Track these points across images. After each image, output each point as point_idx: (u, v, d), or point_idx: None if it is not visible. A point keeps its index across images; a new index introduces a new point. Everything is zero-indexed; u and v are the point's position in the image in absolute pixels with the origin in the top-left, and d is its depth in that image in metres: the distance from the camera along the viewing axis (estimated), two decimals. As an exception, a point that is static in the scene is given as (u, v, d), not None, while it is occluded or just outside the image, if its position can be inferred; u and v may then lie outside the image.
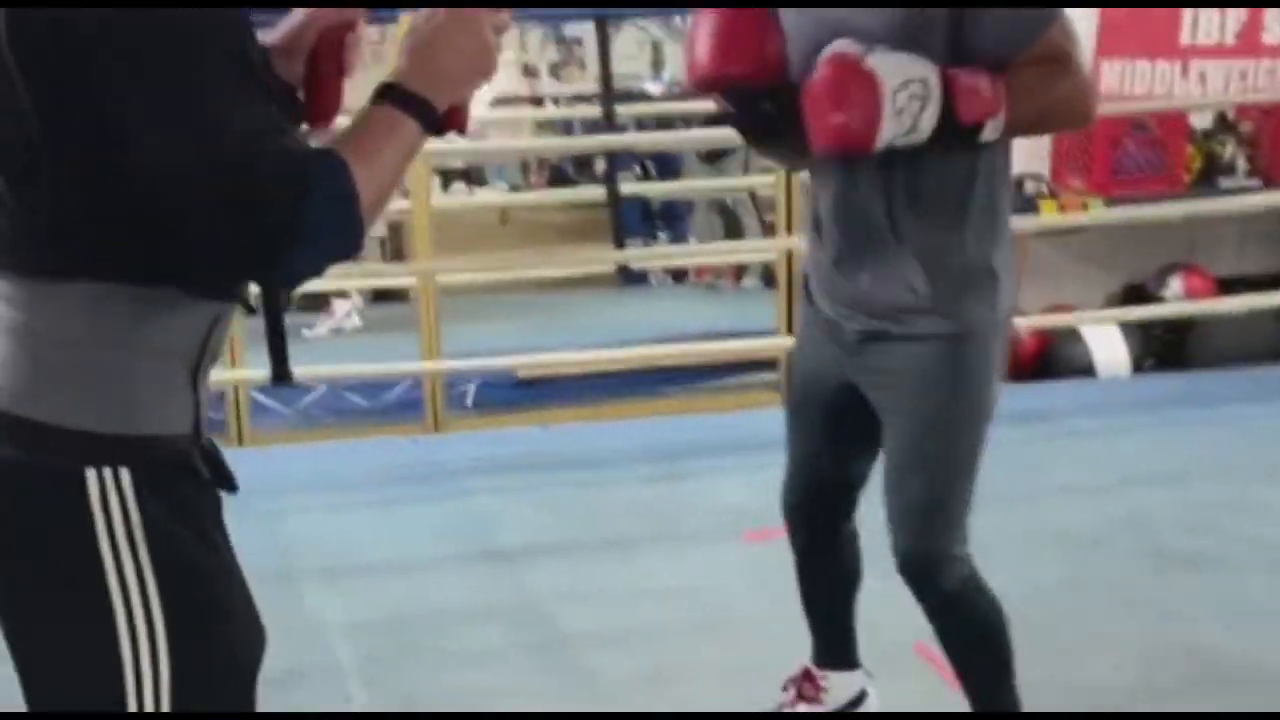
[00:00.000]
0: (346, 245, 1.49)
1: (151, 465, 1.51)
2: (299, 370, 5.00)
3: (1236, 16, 6.27)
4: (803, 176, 5.51)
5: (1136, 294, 6.35)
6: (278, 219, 1.40)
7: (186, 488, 1.56)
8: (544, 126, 11.15)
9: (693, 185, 9.02)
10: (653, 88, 11.21)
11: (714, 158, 8.73)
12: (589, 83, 10.82)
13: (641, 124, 9.32)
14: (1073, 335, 6.05)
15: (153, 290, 1.49)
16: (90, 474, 1.48)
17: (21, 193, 1.46)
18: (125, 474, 1.49)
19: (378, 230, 8.98)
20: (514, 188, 10.61)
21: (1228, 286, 6.28)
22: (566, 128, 10.63)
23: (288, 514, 4.47)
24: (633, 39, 12.18)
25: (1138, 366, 6.08)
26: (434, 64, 1.55)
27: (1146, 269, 6.38)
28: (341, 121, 1.63)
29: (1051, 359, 6.02)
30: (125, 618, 1.49)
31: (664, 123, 9.09)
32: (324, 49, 1.71)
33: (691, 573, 3.90)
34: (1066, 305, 6.15)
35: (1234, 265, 6.50)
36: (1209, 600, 3.63)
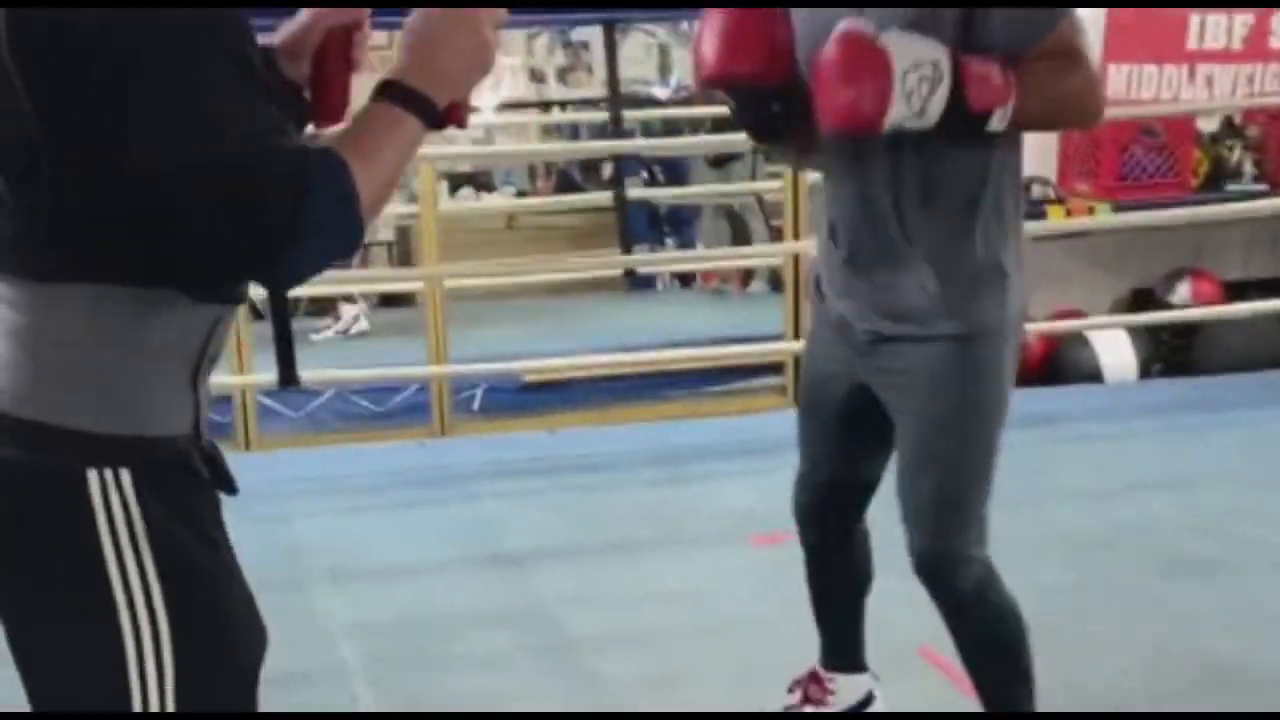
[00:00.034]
0: (346, 243, 1.50)
1: (151, 466, 1.52)
2: (306, 374, 5.01)
3: (1244, 21, 6.28)
4: (811, 180, 5.53)
5: (1144, 299, 6.35)
6: (277, 218, 1.40)
7: (186, 488, 1.57)
8: (551, 131, 11.16)
9: (700, 190, 9.02)
10: (660, 92, 11.21)
11: (721, 163, 8.73)
12: (596, 88, 10.84)
13: (648, 129, 9.34)
14: (1080, 340, 6.05)
15: (153, 292, 1.50)
16: (91, 474, 1.48)
17: (22, 194, 1.47)
18: (125, 474, 1.49)
19: (385, 235, 9.00)
20: (521, 193, 10.61)
21: (1235, 291, 6.28)
22: (574, 132, 10.65)
23: (294, 517, 4.48)
24: (640, 44, 12.18)
25: (1145, 371, 6.08)
26: (433, 61, 1.56)
27: (1154, 273, 6.37)
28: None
29: (1059, 364, 6.01)
30: (129, 617, 1.50)
31: (671, 128, 9.10)
32: (329, 49, 1.72)
33: (698, 576, 3.90)
34: (1074, 310, 6.15)
35: (1241, 270, 6.50)
36: (1216, 605, 3.62)
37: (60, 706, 1.57)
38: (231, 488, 1.66)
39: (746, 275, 8.80)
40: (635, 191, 8.77)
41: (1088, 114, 2.39)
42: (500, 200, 10.25)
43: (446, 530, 4.38)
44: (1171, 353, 6.20)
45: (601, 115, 9.10)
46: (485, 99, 11.24)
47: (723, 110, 2.67)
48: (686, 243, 9.57)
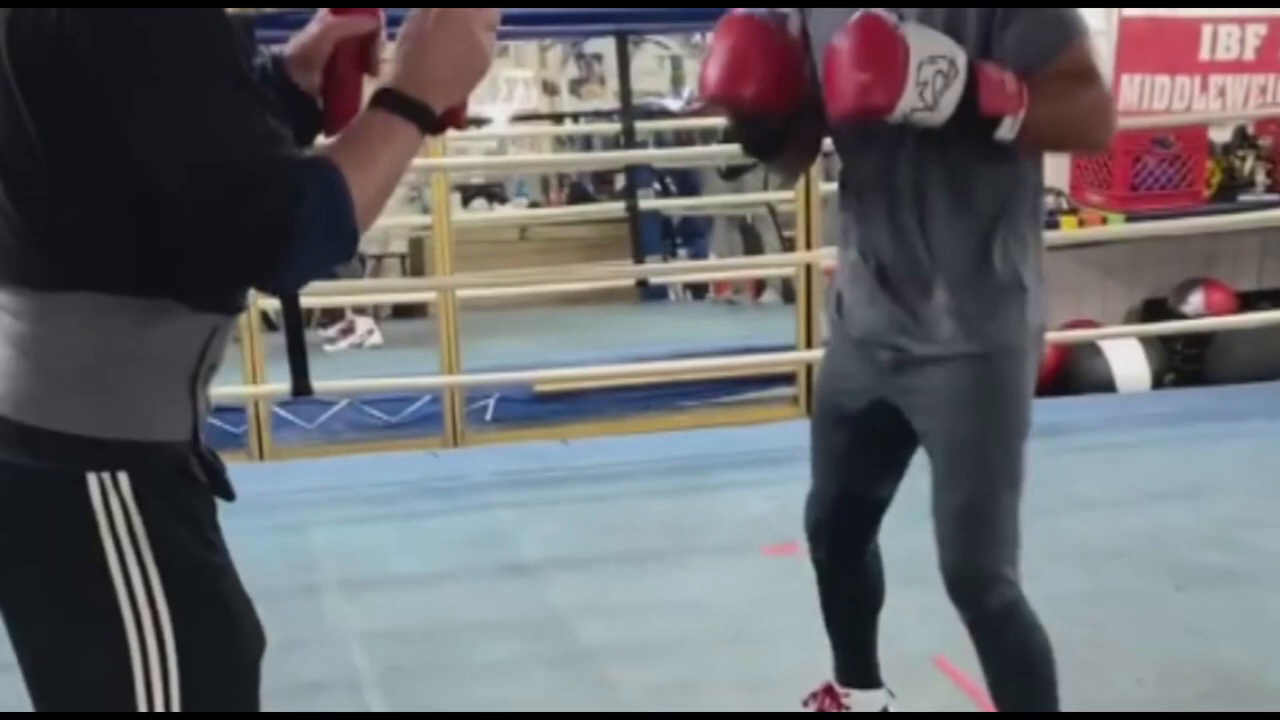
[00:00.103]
0: (341, 250, 1.52)
1: (150, 469, 1.54)
2: (319, 385, 5.01)
3: (1256, 32, 6.27)
4: (824, 191, 5.53)
5: (1157, 309, 6.35)
6: (272, 227, 1.42)
7: (184, 492, 1.59)
8: (564, 143, 11.18)
9: (712, 201, 9.03)
10: (672, 104, 11.22)
11: (734, 173, 8.73)
12: (609, 99, 10.86)
13: (661, 140, 9.35)
14: (1093, 350, 6.05)
15: (152, 301, 1.52)
16: (91, 478, 1.51)
17: (23, 204, 1.49)
18: (124, 477, 1.52)
19: (398, 246, 9.02)
20: (534, 204, 10.62)
21: (1248, 301, 6.27)
22: (586, 144, 10.66)
23: (308, 527, 4.49)
24: (652, 56, 12.20)
25: (1158, 381, 6.07)
26: (426, 67, 1.57)
27: (1167, 284, 6.37)
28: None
29: (1072, 374, 6.01)
30: (132, 616, 1.52)
31: (684, 139, 9.11)
32: (339, 59, 1.73)
33: (710, 586, 3.90)
34: (1087, 320, 6.15)
35: (1254, 280, 6.50)
36: (1229, 614, 3.61)
37: (66, 706, 1.59)
38: (229, 494, 1.67)
39: (759, 286, 8.79)
40: (648, 202, 8.77)
41: (1098, 136, 2.38)
42: (513, 211, 10.26)
43: (459, 540, 4.38)
44: (1184, 363, 6.20)
45: (614, 127, 9.11)
46: (498, 111, 11.28)
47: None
48: (699, 253, 9.57)
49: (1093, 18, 5.95)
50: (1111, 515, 4.35)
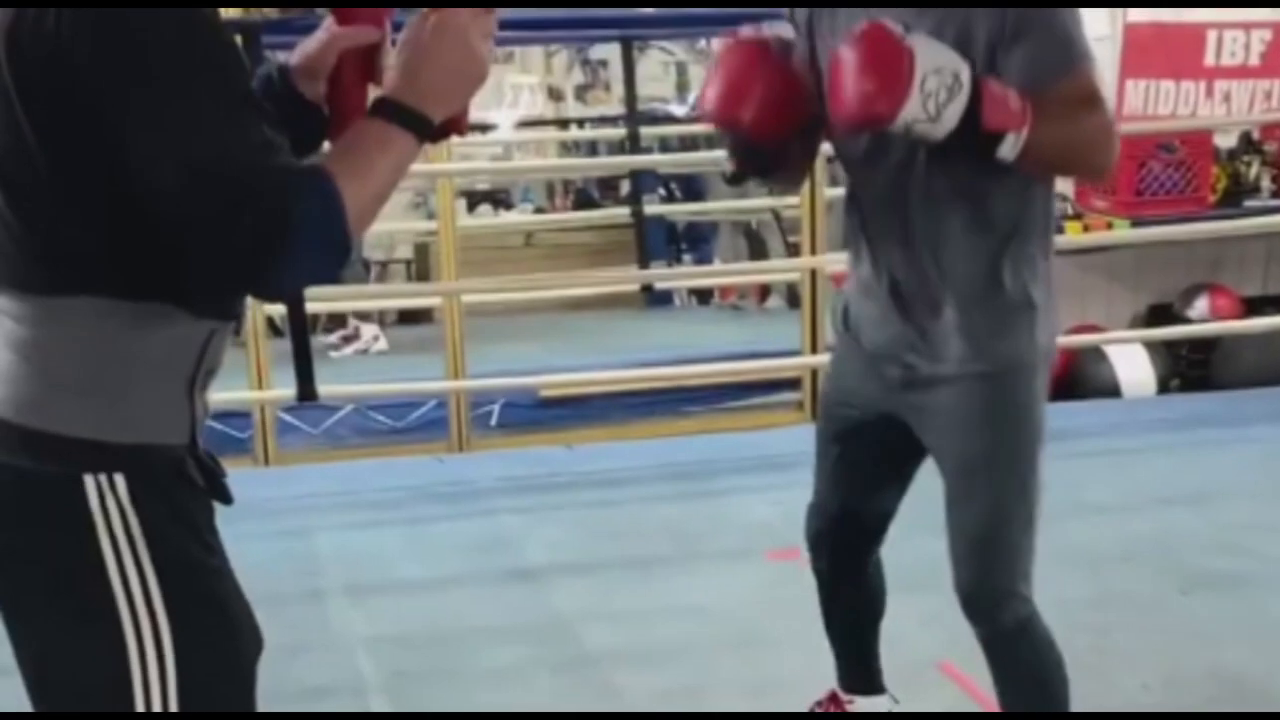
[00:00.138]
0: (333, 259, 1.53)
1: (147, 472, 1.56)
2: (325, 390, 5.03)
3: (1261, 37, 6.28)
4: (829, 196, 5.54)
5: (1162, 314, 6.35)
6: (266, 235, 1.44)
7: (181, 494, 1.60)
8: (569, 149, 11.19)
9: (717, 206, 9.04)
10: (677, 110, 11.23)
11: (738, 179, 8.70)
12: (614, 105, 10.86)
13: (666, 145, 9.36)
14: (1098, 355, 6.05)
15: (150, 306, 1.53)
16: (88, 480, 1.53)
17: (22, 210, 1.51)
18: (120, 479, 1.53)
19: (403, 252, 9.04)
20: (539, 209, 10.63)
21: (1254, 306, 6.27)
22: (592, 150, 10.67)
23: (313, 532, 4.50)
24: (658, 62, 12.21)
25: (1163, 386, 6.07)
26: (423, 76, 1.58)
27: (1172, 289, 6.37)
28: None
29: (1077, 379, 6.01)
30: (129, 616, 1.54)
31: (689, 144, 9.11)
32: (344, 69, 1.74)
33: (715, 591, 3.90)
34: (1092, 325, 6.15)
35: (1260, 285, 6.50)
36: (1236, 620, 3.61)
37: (65, 706, 1.60)
38: (226, 498, 1.68)
39: (764, 291, 8.80)
40: (653, 208, 8.78)
41: (1099, 162, 2.36)
42: (518, 217, 10.27)
43: (464, 545, 4.38)
44: (1190, 368, 6.20)
45: (619, 132, 9.11)
46: (504, 117, 11.29)
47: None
48: (704, 259, 9.58)
49: (1097, 23, 5.98)
50: (1117, 520, 4.35)
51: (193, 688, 1.57)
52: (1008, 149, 2.18)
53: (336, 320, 8.03)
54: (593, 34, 9.58)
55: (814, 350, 5.77)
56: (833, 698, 2.91)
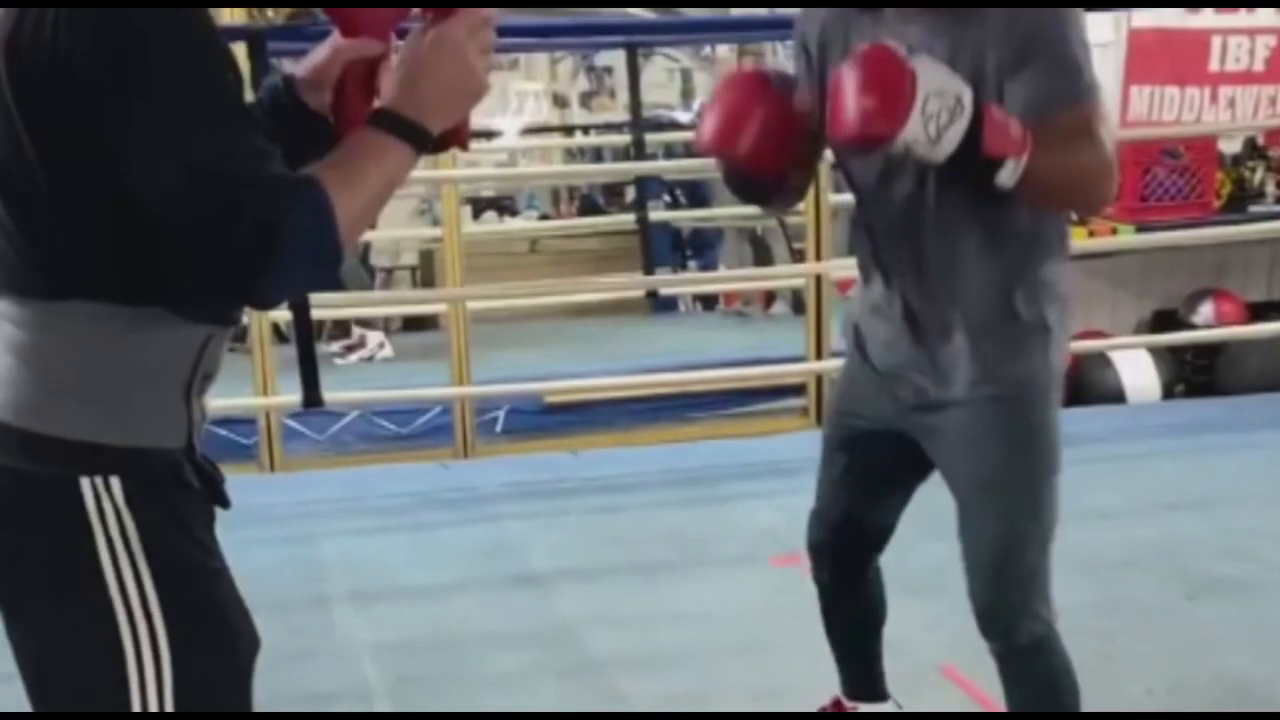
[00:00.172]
0: (322, 268, 1.55)
1: (143, 475, 1.58)
2: (330, 396, 5.03)
3: (1265, 43, 6.28)
4: (834, 203, 5.54)
5: (1167, 319, 6.35)
6: (256, 243, 1.45)
7: (176, 497, 1.62)
8: (574, 155, 11.20)
9: (722, 213, 9.03)
10: (682, 116, 11.24)
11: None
12: (619, 112, 10.88)
13: (671, 152, 9.37)
14: (1103, 361, 6.05)
15: (146, 310, 1.55)
16: (84, 482, 1.55)
17: (22, 219, 1.53)
18: (116, 482, 1.55)
19: (408, 259, 9.05)
20: (544, 216, 10.65)
21: (1258, 312, 6.28)
22: (597, 157, 10.69)
23: (318, 538, 4.50)
24: (662, 69, 12.22)
25: (1168, 392, 6.07)
26: (420, 89, 1.60)
27: (1177, 295, 6.38)
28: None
29: (1082, 384, 6.01)
30: (126, 617, 1.56)
31: (694, 151, 9.09)
32: (348, 80, 1.75)
33: (719, 597, 3.91)
34: (1096, 331, 6.15)
35: (1264, 290, 6.50)
36: (1240, 625, 3.61)
37: (62, 705, 1.62)
38: (224, 502, 1.70)
39: (769, 297, 8.81)
40: (658, 214, 8.79)
41: (1095, 197, 2.33)
42: (523, 224, 10.29)
43: (469, 551, 4.39)
44: (1194, 373, 6.20)
45: (624, 139, 9.12)
46: (509, 124, 11.31)
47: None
48: (709, 265, 9.60)
49: (1102, 29, 5.99)
50: (1121, 526, 4.35)
51: (189, 688, 1.59)
52: (1006, 175, 2.15)
53: (341, 328, 8.04)
54: (598, 41, 9.59)
55: (819, 356, 5.78)
56: (836, 704, 2.91)
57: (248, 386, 5.29)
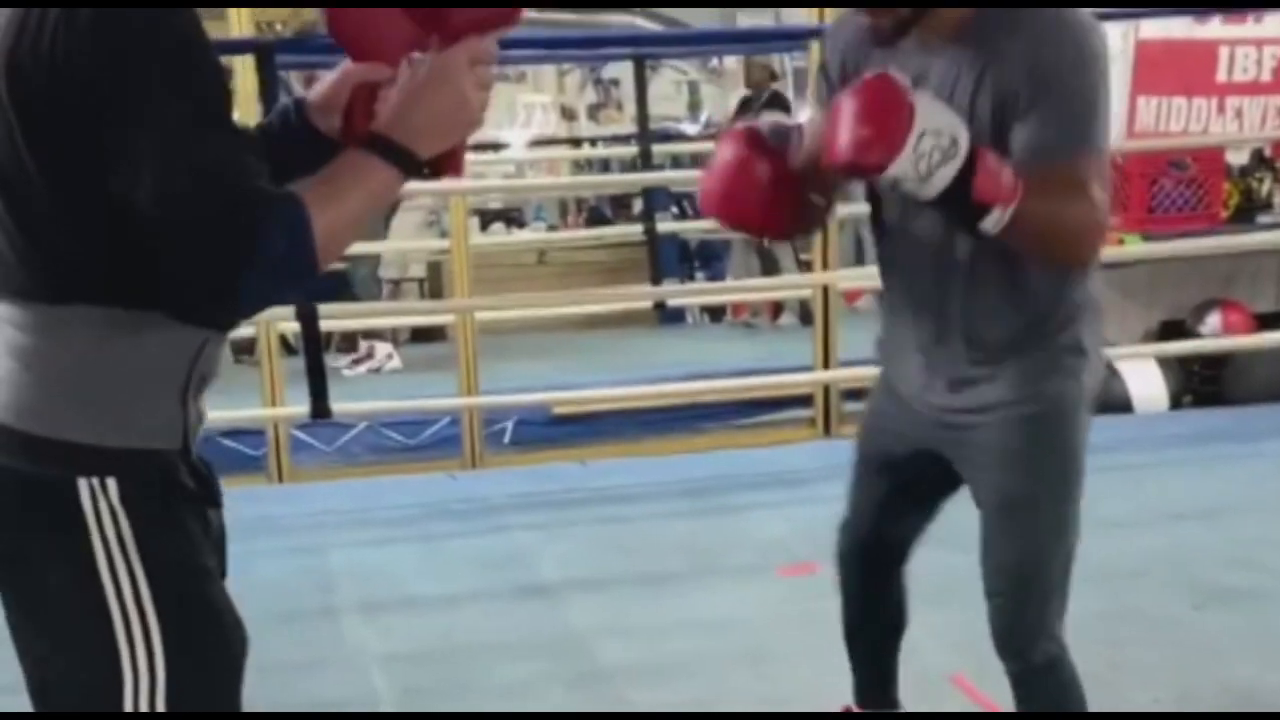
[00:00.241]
0: (295, 281, 1.58)
1: (138, 476, 1.60)
2: (338, 407, 5.05)
3: (1272, 53, 6.29)
4: (842, 214, 5.53)
5: (1174, 330, 6.35)
6: (231, 253, 1.49)
7: (172, 498, 1.64)
8: (582, 167, 11.23)
9: (729, 224, 9.04)
10: (689, 128, 11.27)
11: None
12: (626, 124, 10.91)
13: (678, 163, 9.39)
14: (1110, 371, 6.03)
15: (142, 314, 1.58)
16: (81, 483, 1.58)
17: (21, 223, 1.56)
18: (112, 483, 1.58)
19: (416, 271, 9.06)
20: (552, 227, 10.67)
21: (1266, 322, 6.27)
22: (604, 168, 10.71)
23: (327, 549, 4.51)
24: (670, 81, 12.25)
25: (1176, 402, 6.07)
26: (412, 115, 1.63)
27: (1184, 305, 6.37)
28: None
29: (1089, 395, 5.99)
30: (120, 615, 1.59)
31: (701, 162, 9.12)
32: (357, 104, 1.77)
33: (727, 607, 3.91)
34: (1103, 341, 6.14)
35: (1272, 301, 6.49)
36: (1248, 635, 3.61)
37: (59, 705, 1.65)
38: (218, 503, 1.74)
39: (776, 308, 8.82)
40: (665, 225, 8.81)
41: (1078, 252, 2.29)
42: (531, 235, 10.31)
43: (478, 561, 4.40)
44: (1202, 383, 6.19)
45: (631, 151, 9.15)
46: (516, 136, 11.34)
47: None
48: (716, 276, 9.61)
49: (1109, 40, 5.98)
50: (1129, 535, 4.34)
51: (181, 686, 1.61)
52: (991, 223, 2.13)
53: (349, 341, 8.05)
54: (605, 53, 9.63)
55: (826, 366, 5.79)
56: (847, 712, 2.91)
57: (256, 398, 5.31)
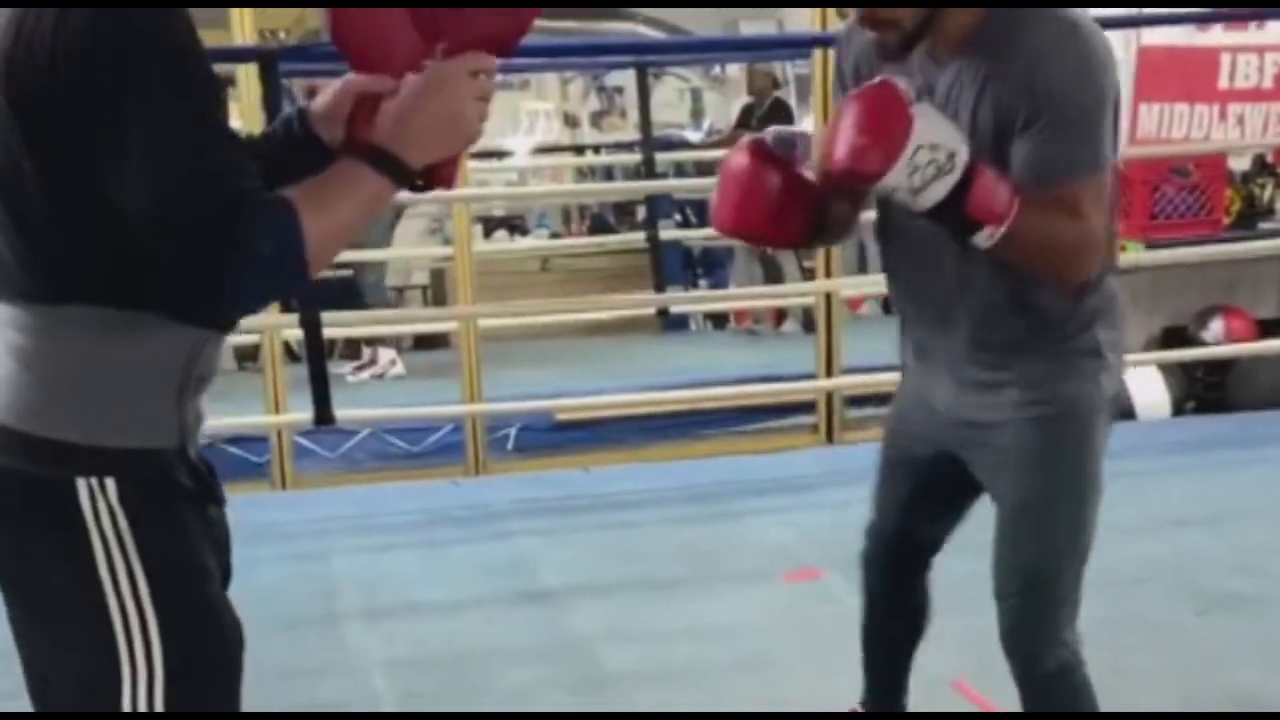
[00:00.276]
0: (286, 285, 1.63)
1: (136, 475, 1.62)
2: (341, 414, 5.05)
3: (1274, 60, 6.29)
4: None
5: (1177, 336, 6.35)
6: (221, 256, 1.50)
7: (170, 497, 1.66)
8: (585, 175, 11.24)
9: (733, 231, 9.04)
10: (692, 135, 11.28)
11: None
12: (629, 131, 10.92)
13: (681, 171, 9.40)
14: (1113, 378, 6.04)
15: (138, 315, 1.60)
16: (80, 482, 1.60)
17: (21, 224, 1.58)
18: (110, 482, 1.60)
19: (420, 278, 9.08)
20: (555, 235, 10.68)
21: (1268, 328, 6.27)
22: (607, 176, 10.72)
23: (330, 555, 4.52)
24: (673, 88, 12.27)
25: (1178, 409, 6.07)
26: (407, 126, 1.64)
27: (1186, 312, 6.37)
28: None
29: (1092, 401, 6.00)
30: (119, 613, 1.60)
31: (704, 170, 9.16)
32: (359, 114, 1.78)
33: (731, 613, 3.91)
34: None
35: (1274, 307, 6.49)
36: (1251, 641, 3.61)
37: (59, 703, 1.67)
38: (218, 500, 1.75)
39: (779, 315, 8.83)
40: (668, 233, 8.82)
41: (1067, 274, 2.27)
42: (534, 242, 10.32)
43: (481, 568, 4.40)
44: (1205, 390, 6.19)
45: (635, 158, 9.17)
46: (520, 143, 11.35)
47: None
48: (719, 284, 9.62)
49: (1111, 47, 5.99)
50: (1132, 542, 4.34)
51: (179, 684, 1.62)
52: (982, 239, 2.14)
53: (352, 347, 8.06)
54: (608, 61, 9.64)
55: (829, 374, 5.79)
56: (853, 714, 2.91)
57: (259, 405, 5.31)
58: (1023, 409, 2.36)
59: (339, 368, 7.68)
